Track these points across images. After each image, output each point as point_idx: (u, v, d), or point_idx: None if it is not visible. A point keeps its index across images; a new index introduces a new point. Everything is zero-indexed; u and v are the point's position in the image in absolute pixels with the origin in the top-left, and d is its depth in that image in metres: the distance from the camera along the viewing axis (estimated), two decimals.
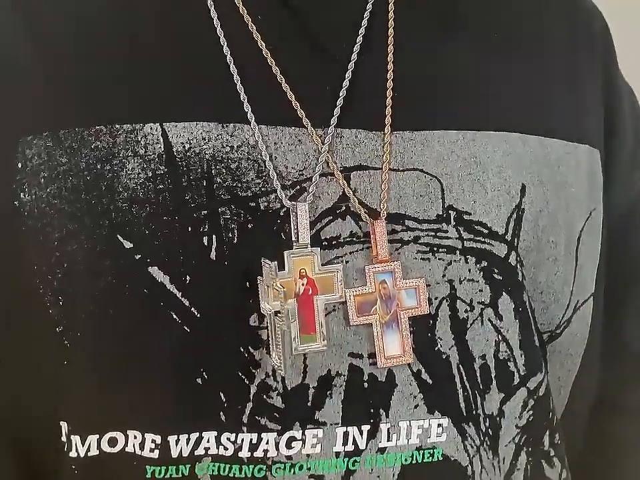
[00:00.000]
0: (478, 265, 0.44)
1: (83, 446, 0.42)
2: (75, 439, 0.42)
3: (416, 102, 0.45)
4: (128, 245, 0.40)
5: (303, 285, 0.41)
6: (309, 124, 0.42)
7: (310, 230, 0.42)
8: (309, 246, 0.41)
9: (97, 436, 0.41)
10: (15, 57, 0.43)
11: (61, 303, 0.41)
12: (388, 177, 0.43)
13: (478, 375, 0.44)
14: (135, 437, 0.41)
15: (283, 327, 0.39)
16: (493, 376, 0.45)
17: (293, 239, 0.41)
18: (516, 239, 0.45)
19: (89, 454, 0.41)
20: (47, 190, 0.41)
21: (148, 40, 0.43)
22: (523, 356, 0.45)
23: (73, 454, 0.42)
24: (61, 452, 0.43)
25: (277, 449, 0.41)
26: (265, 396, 0.41)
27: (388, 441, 0.42)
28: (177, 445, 0.41)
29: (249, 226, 0.41)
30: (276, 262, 0.39)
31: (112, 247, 0.40)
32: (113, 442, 0.41)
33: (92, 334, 0.41)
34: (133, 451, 0.41)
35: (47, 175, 0.41)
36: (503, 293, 0.45)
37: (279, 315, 0.40)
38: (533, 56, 0.49)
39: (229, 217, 0.41)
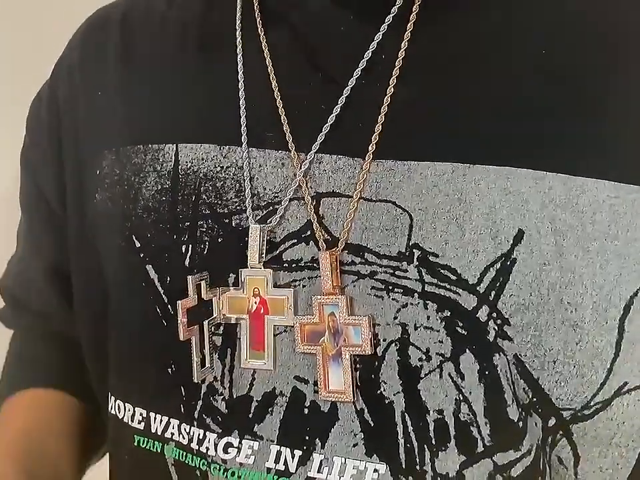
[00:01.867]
0: (439, 314, 0.40)
1: (109, 402, 0.51)
2: (108, 394, 0.51)
3: (408, 131, 0.42)
4: (137, 244, 0.47)
5: (255, 303, 0.43)
6: (293, 148, 0.44)
7: (274, 251, 0.43)
8: (262, 267, 0.43)
9: (113, 399, 0.50)
10: (113, 92, 0.52)
11: (108, 285, 0.51)
12: (356, 206, 0.42)
13: (431, 428, 0.40)
14: (129, 410, 0.48)
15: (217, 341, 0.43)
16: (451, 434, 0.40)
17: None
18: (493, 292, 0.39)
19: (112, 411, 0.50)
20: (106, 194, 0.50)
21: (185, 67, 0.49)
22: (488, 425, 0.39)
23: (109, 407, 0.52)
24: None
25: (216, 450, 0.44)
26: (212, 398, 0.44)
27: (318, 472, 0.42)
28: (154, 422, 0.47)
29: (219, 240, 0.45)
30: (191, 277, 0.43)
31: (128, 245, 0.48)
32: (119, 409, 0.49)
33: (114, 317, 0.50)
34: (127, 422, 0.48)
35: (108, 182, 0.50)
36: (467, 350, 0.39)
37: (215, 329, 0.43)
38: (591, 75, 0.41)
39: (204, 230, 0.45)
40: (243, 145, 0.45)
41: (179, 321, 0.43)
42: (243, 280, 0.44)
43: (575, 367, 0.40)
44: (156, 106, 0.50)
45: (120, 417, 0.49)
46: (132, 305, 0.48)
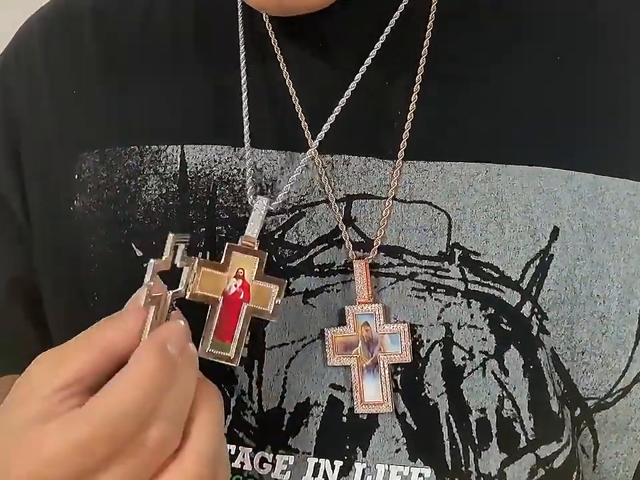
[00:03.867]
0: (483, 311, 0.40)
1: None
2: None
3: (437, 132, 0.42)
4: (139, 253, 0.44)
5: (235, 285, 0.38)
6: (315, 149, 0.42)
7: (303, 255, 0.42)
8: (257, 245, 0.38)
9: None
10: (92, 89, 0.48)
11: (95, 298, 0.46)
12: (390, 208, 0.41)
13: (474, 428, 0.40)
14: None
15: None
16: (493, 433, 0.40)
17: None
18: (535, 288, 0.40)
19: None
20: (90, 199, 0.46)
21: (184, 68, 0.46)
22: (532, 419, 0.40)
23: None
24: None
25: (252, 464, 0.42)
26: (241, 412, 0.42)
27: None
28: None
29: None
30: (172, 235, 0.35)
31: (126, 254, 0.44)
32: None
33: None
34: None
35: (92, 187, 0.46)
36: (511, 345, 0.40)
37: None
38: (603, 81, 0.43)
39: (224, 235, 0.42)
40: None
41: (145, 282, 0.35)
42: (227, 255, 0.38)
43: (600, 357, 0.42)
44: (151, 105, 0.46)
45: None
46: None
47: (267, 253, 0.38)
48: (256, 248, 0.38)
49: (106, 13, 0.50)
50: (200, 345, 0.37)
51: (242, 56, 0.45)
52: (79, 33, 0.50)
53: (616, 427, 0.43)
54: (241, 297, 0.38)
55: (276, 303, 0.37)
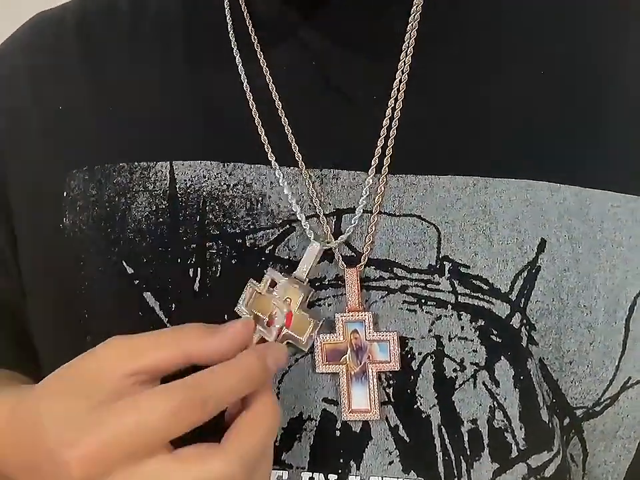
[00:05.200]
0: (473, 323, 0.41)
1: None
2: None
3: (424, 145, 0.43)
4: (130, 270, 0.44)
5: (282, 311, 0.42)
6: (304, 164, 0.43)
7: (295, 270, 0.42)
8: (306, 282, 0.41)
9: None
10: (79, 104, 0.48)
11: (86, 315, 0.46)
12: (376, 221, 0.42)
13: (465, 439, 0.41)
14: None
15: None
16: (485, 443, 0.41)
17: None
18: (523, 299, 0.41)
19: None
20: (79, 217, 0.46)
21: (172, 80, 0.47)
22: (522, 429, 0.41)
23: None
24: None
25: None
26: None
27: None
28: None
29: (233, 262, 0.42)
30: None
31: (117, 272, 0.44)
32: None
33: None
34: None
35: (81, 204, 0.46)
36: (502, 357, 0.41)
37: None
38: (594, 94, 0.44)
39: (215, 251, 0.43)
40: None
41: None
42: (277, 283, 0.41)
43: (588, 366, 0.42)
44: (139, 120, 0.46)
45: None
46: None
47: (313, 290, 0.42)
48: (305, 284, 0.42)
49: (90, 27, 0.50)
50: None
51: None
52: (63, 46, 0.50)
53: (604, 435, 0.44)
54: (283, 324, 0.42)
55: (310, 335, 0.41)
